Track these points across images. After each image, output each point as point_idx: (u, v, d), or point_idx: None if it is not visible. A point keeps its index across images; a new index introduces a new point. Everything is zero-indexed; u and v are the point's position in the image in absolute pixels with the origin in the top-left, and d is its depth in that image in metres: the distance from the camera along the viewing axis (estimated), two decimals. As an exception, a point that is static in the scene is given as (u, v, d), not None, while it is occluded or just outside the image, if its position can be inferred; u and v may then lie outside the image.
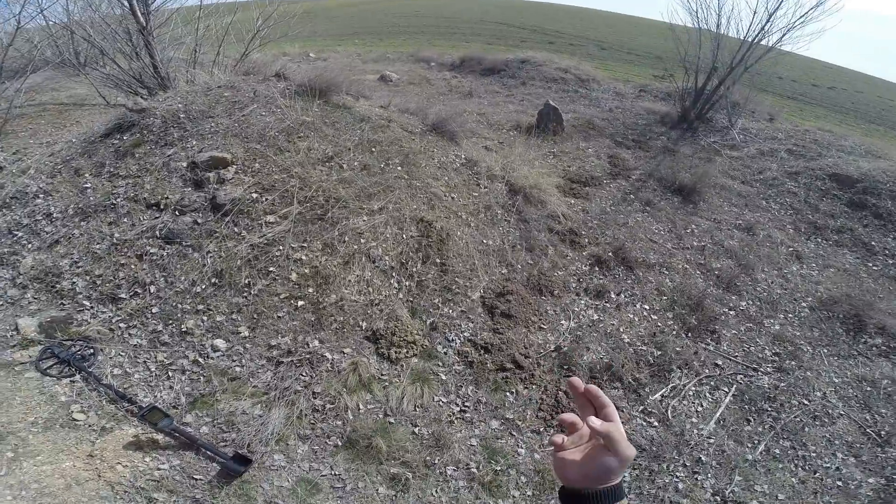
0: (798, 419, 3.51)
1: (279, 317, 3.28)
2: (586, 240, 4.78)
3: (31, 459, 2.63)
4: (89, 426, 2.82)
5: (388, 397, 3.05)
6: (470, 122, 6.46)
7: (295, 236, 3.61)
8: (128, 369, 3.12)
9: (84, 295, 3.46)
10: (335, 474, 2.71)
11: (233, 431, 2.82)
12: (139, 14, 6.07)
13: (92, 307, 3.41)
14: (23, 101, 6.53)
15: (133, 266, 3.52)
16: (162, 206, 3.80)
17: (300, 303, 3.33)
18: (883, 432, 3.59)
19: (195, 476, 2.62)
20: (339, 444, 2.84)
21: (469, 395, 3.20)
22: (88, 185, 4.12)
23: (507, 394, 3.24)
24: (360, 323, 3.37)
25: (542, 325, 3.80)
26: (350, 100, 5.26)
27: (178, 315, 3.30)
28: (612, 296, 4.20)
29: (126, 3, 5.99)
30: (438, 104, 6.06)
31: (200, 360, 3.13)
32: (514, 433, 3.04)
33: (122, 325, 3.31)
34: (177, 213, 3.76)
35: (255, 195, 3.81)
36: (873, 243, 5.51)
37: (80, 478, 2.57)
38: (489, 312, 3.78)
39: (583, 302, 4.11)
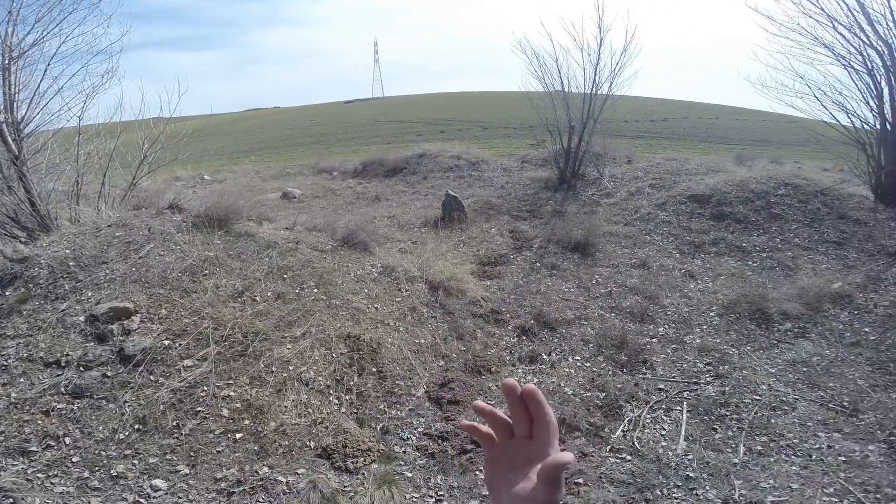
0: (760, 414, 3.68)
1: (219, 451, 3.09)
2: (508, 315, 5.06)
3: None
4: None
5: (358, 506, 2.87)
6: (381, 227, 6.71)
7: (218, 375, 3.43)
8: None
9: None
10: None
11: None
12: (10, 141, 5.37)
13: (0, 462, 2.94)
14: None
15: (40, 422, 3.13)
16: (63, 364, 3.45)
17: (238, 435, 3.18)
18: (845, 402, 3.78)
19: None
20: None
21: (440, 485, 3.10)
22: None
23: (477, 472, 3.18)
24: (308, 443, 3.24)
25: (489, 402, 3.86)
26: (253, 226, 5.31)
27: (105, 461, 2.97)
28: (545, 357, 4.42)
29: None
30: (347, 215, 6.31)
31: (142, 500, 2.82)
32: (496, 505, 2.94)
33: (39, 475, 2.90)
34: (81, 368, 3.43)
35: (166, 342, 3.59)
36: (744, 245, 6.39)
37: None
38: (437, 404, 3.80)
39: (520, 370, 4.27)
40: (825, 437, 3.52)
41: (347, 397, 3.62)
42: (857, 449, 3.35)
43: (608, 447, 3.43)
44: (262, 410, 3.31)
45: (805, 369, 4.20)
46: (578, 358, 4.43)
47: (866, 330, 4.63)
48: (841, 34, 6.81)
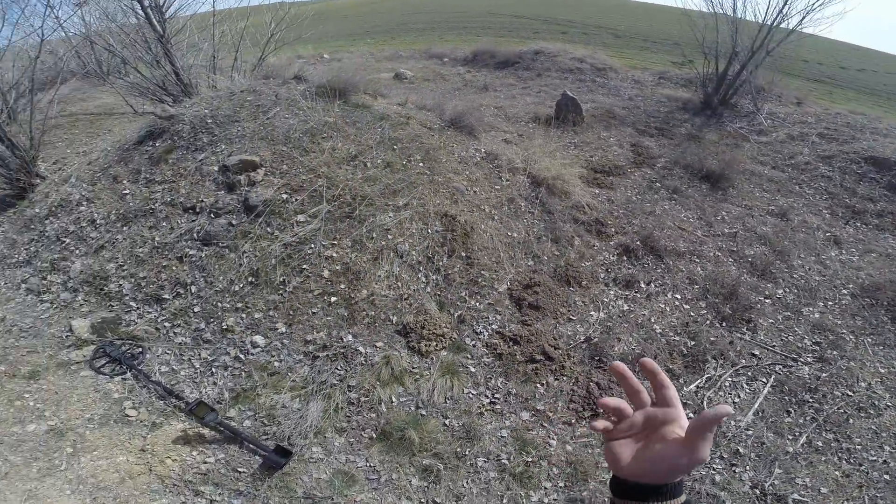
0: (842, 411, 3.38)
1: (314, 312, 3.37)
2: (613, 229, 4.72)
3: (89, 455, 2.77)
4: (141, 422, 2.97)
5: (419, 390, 3.09)
6: (487, 115, 6.41)
7: (325, 234, 3.68)
8: (174, 367, 3.27)
9: (130, 297, 3.66)
10: (370, 466, 2.77)
11: (273, 425, 2.92)
12: (155, 22, 6.28)
13: (138, 308, 3.60)
14: (56, 111, 6.71)
15: (174, 268, 3.69)
16: (198, 210, 3.94)
17: (333, 299, 3.41)
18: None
19: (239, 469, 2.72)
20: (374, 436, 2.89)
21: (499, 387, 3.20)
22: (127, 191, 4.31)
23: (538, 385, 3.23)
24: (391, 317, 3.42)
25: (571, 317, 3.77)
26: (368, 99, 5.31)
27: (219, 313, 3.44)
28: (642, 285, 4.13)
29: (141, 13, 6.26)
30: (455, 99, 6.03)
31: (241, 356, 3.25)
32: (546, 424, 3.04)
33: (166, 324, 3.47)
34: (212, 215, 3.90)
35: (284, 196, 3.90)
36: (919, 226, 5.26)
37: (132, 472, 2.72)
38: (517, 304, 3.77)
39: (612, 292, 4.05)
40: (888, 452, 3.20)
41: (434, 277, 3.71)
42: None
43: (676, 399, 3.25)
44: (357, 276, 3.50)
45: (921, 385, 3.57)
46: (678, 296, 4.09)
47: None
48: None
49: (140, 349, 3.38)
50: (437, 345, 3.32)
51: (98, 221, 4.15)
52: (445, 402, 3.05)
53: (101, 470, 2.70)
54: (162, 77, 6.70)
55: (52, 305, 3.74)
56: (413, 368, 3.19)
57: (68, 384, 3.15)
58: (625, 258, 4.40)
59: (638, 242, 4.54)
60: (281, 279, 3.51)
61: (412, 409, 3.01)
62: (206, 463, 2.75)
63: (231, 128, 4.52)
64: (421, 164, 4.41)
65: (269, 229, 3.75)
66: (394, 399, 3.04)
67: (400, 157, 4.38)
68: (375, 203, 3.90)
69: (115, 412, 3.00)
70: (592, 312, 3.83)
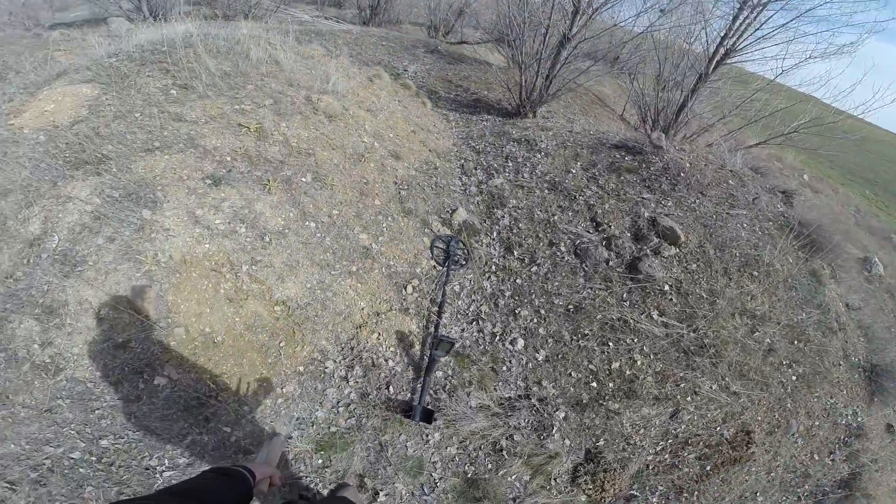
0: None
1: (570, 375, 3.44)
2: None
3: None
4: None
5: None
6: None
7: (663, 351, 3.47)
8: (462, 300, 3.78)
9: (498, 230, 4.31)
10: None
11: (450, 402, 3.13)
12: (712, 62, 6.54)
13: (491, 241, 4.22)
14: (574, 79, 7.66)
15: (541, 244, 4.15)
16: (600, 229, 4.19)
17: (594, 384, 3.37)
18: None
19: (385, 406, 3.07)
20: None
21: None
22: (572, 171, 4.87)
23: None
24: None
25: None
26: (825, 273, 4.27)
27: (525, 301, 3.80)
28: None
29: (703, 47, 6.70)
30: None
31: (501, 344, 3.56)
32: None
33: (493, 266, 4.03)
34: (603, 242, 4.10)
35: (666, 288, 3.73)
36: None
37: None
38: None
39: None
40: None
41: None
42: None
43: None
44: (631, 392, 3.30)
45: None
46: None
47: None
48: None
49: (465, 263, 3.93)
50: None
51: (537, 171, 4.88)
52: None
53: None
54: (665, 102, 7.05)
55: (461, 186, 4.74)
56: None
57: (410, 236, 3.90)
58: None
59: None
60: (585, 332, 3.55)
61: None
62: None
63: (692, 196, 4.42)
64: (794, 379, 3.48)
65: (624, 297, 3.73)
66: None
67: (778, 373, 3.52)
68: (718, 369, 3.35)
69: (397, 304, 3.58)
70: None
